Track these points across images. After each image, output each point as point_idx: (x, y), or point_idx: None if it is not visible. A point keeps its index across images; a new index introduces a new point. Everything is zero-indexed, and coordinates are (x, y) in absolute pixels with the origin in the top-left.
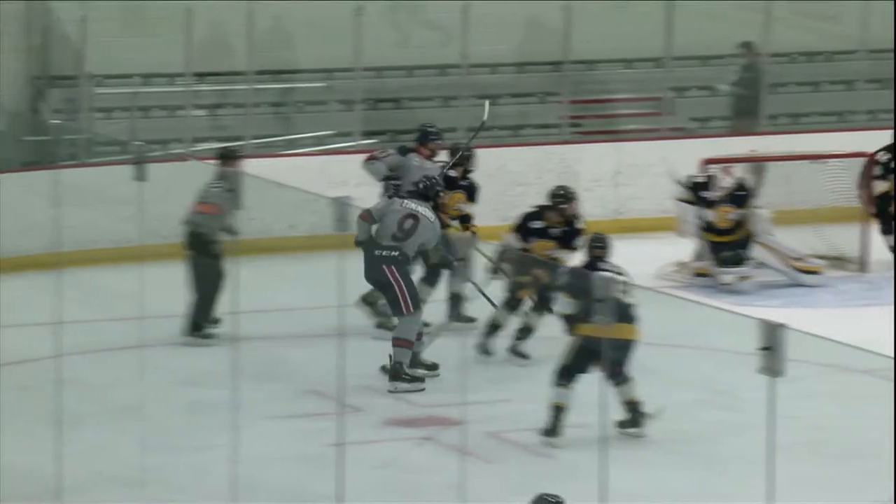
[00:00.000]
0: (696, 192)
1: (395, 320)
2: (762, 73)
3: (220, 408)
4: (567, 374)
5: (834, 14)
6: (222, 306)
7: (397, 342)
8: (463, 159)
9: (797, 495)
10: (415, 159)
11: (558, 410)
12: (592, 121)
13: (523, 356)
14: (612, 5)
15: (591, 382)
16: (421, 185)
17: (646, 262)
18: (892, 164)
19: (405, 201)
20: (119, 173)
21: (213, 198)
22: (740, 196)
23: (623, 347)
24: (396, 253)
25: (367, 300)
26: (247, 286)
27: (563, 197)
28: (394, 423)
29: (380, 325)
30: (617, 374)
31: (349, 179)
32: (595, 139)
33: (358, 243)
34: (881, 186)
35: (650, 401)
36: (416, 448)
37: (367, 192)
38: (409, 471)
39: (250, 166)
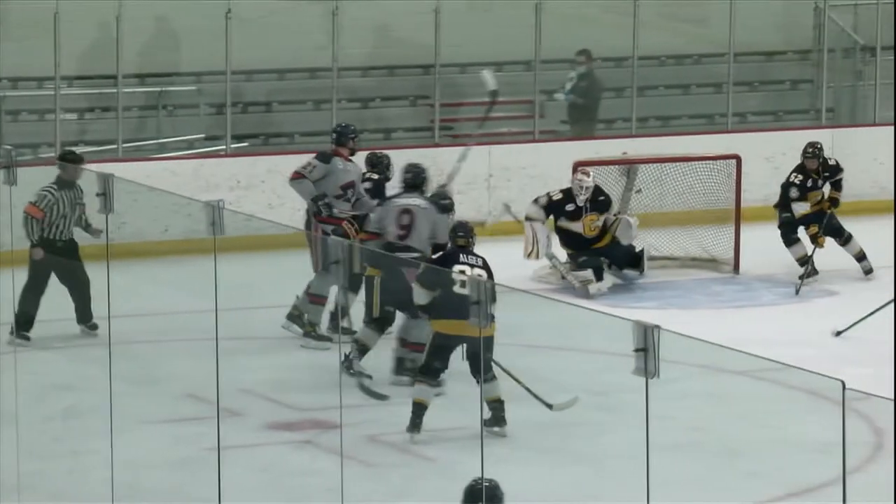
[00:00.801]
0: (561, 208)
1: (323, 327)
2: (598, 81)
3: (97, 412)
4: (428, 371)
5: (701, 17)
6: (96, 309)
7: (414, 347)
8: (383, 167)
9: (675, 495)
10: (339, 163)
11: (419, 407)
12: (463, 123)
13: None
14: (480, 8)
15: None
16: (409, 175)
17: (520, 265)
18: (808, 184)
19: (395, 199)
20: None
21: (40, 201)
22: (603, 202)
23: (483, 345)
24: (417, 255)
25: (292, 316)
26: (121, 290)
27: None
28: (273, 426)
29: (307, 335)
30: (479, 372)
31: (221, 183)
32: (466, 142)
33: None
34: (802, 209)
35: (523, 403)
36: (295, 451)
37: (239, 196)
38: (288, 474)
39: (122, 170)
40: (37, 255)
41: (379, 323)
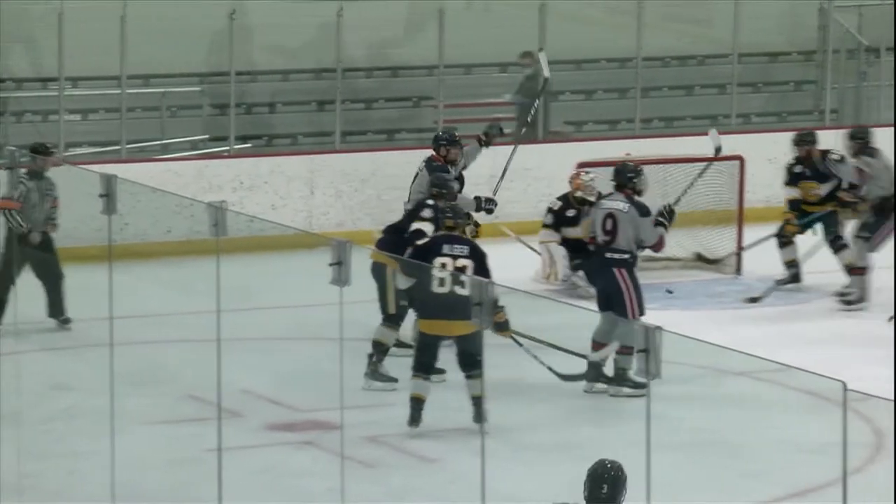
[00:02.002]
0: (562, 215)
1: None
2: (544, 82)
3: (98, 413)
4: (420, 367)
5: (705, 18)
6: (97, 310)
7: (621, 349)
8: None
9: (675, 496)
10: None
11: (417, 402)
12: (467, 124)
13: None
14: (480, 8)
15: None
16: (617, 175)
17: (520, 265)
18: (797, 170)
19: (603, 201)
20: None
21: (13, 191)
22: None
23: (465, 342)
24: (627, 256)
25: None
26: (123, 291)
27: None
28: (274, 427)
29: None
30: (465, 368)
31: (224, 184)
32: (470, 143)
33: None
34: (787, 193)
35: (524, 403)
36: (296, 452)
37: (242, 197)
38: (289, 475)
39: (125, 171)
40: (35, 239)
41: (395, 319)
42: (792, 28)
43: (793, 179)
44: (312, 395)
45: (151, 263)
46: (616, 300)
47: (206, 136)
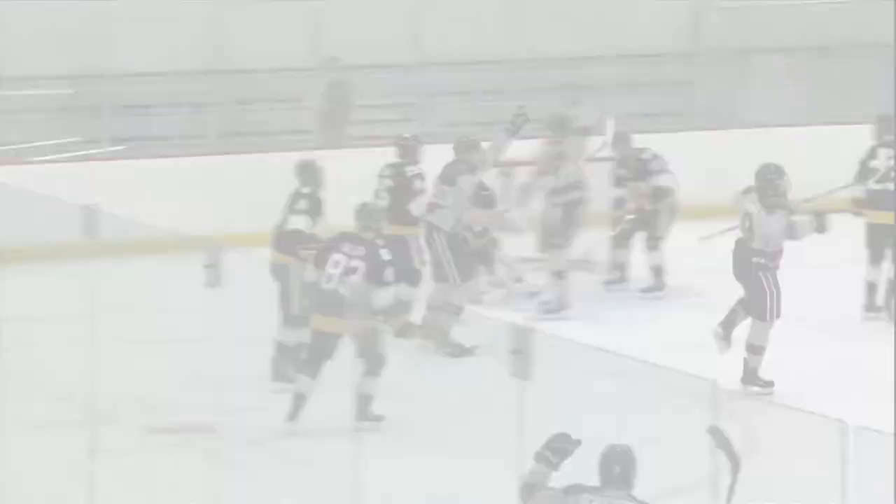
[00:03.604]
0: None
1: None
2: (349, 88)
3: None
4: (307, 365)
5: (589, 20)
6: None
7: (752, 349)
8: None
9: None
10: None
11: (298, 398)
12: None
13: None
14: (362, 11)
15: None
16: (756, 176)
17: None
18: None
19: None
20: None
21: None
22: (487, 197)
23: (357, 341)
24: (773, 263)
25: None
26: None
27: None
28: (150, 430)
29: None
30: (361, 363)
31: (98, 187)
32: (347, 145)
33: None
34: (615, 192)
35: (400, 401)
36: (172, 455)
37: (116, 200)
38: (165, 478)
39: None
40: None
41: (298, 320)
42: (666, 29)
43: (619, 182)
44: (189, 398)
45: (24, 267)
46: (755, 300)
47: (80, 139)
